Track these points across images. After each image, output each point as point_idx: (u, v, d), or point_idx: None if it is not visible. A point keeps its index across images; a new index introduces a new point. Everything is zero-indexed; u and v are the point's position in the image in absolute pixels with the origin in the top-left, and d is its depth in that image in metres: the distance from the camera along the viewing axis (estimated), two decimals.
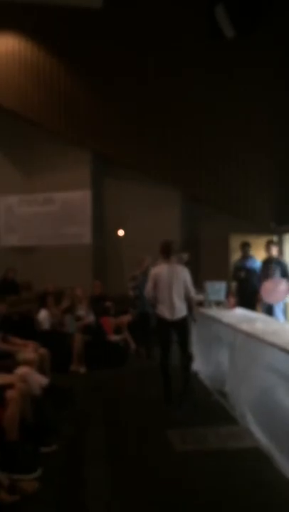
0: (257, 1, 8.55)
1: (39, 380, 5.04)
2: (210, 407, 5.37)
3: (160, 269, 5.77)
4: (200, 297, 7.21)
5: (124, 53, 10.22)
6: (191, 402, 5.41)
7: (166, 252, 5.80)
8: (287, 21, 9.14)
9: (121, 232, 7.76)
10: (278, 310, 7.40)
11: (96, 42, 10.26)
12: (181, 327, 5.74)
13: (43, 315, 7.52)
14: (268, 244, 7.85)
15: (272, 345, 4.22)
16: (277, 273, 7.55)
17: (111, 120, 10.43)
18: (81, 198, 11.24)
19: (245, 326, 5.22)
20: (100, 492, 3.53)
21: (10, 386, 4.26)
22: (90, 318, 8.00)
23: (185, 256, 8.07)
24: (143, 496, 3.45)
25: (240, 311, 6.81)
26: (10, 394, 4.13)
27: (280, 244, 9.32)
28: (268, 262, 7.81)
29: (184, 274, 5.75)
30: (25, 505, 3.27)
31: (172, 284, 5.65)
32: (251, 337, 4.79)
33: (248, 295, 8.21)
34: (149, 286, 5.80)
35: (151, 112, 10.19)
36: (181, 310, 5.69)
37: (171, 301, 5.64)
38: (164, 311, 5.67)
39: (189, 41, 9.80)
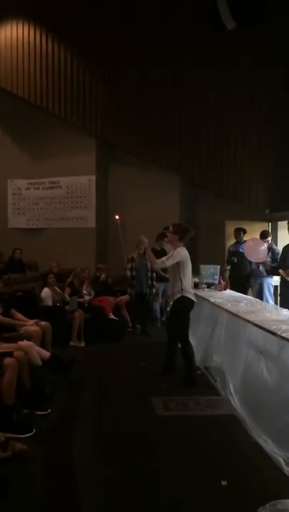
0: None
1: (40, 352, 5.35)
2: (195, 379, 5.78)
3: (186, 252, 5.76)
4: (195, 279, 7.57)
5: (128, 44, 10.44)
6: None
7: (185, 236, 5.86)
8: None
9: (117, 217, 8.14)
10: (267, 293, 7.74)
11: (103, 31, 10.44)
12: None
13: (45, 293, 7.94)
14: (263, 233, 8.16)
15: (248, 321, 4.63)
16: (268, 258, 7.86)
17: (115, 109, 10.71)
18: (86, 182, 11.62)
19: (229, 306, 5.62)
20: (87, 448, 3.92)
21: (9, 354, 4.66)
22: (91, 297, 8.45)
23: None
24: (125, 453, 3.84)
25: (229, 293, 7.20)
26: (8, 361, 4.48)
27: (273, 231, 9.61)
28: None
29: None
30: (16, 461, 3.60)
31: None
32: (232, 315, 5.19)
33: (240, 279, 8.58)
34: (183, 267, 5.67)
35: (153, 102, 10.44)
36: None
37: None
38: (191, 294, 5.76)
39: (190, 32, 9.99)
